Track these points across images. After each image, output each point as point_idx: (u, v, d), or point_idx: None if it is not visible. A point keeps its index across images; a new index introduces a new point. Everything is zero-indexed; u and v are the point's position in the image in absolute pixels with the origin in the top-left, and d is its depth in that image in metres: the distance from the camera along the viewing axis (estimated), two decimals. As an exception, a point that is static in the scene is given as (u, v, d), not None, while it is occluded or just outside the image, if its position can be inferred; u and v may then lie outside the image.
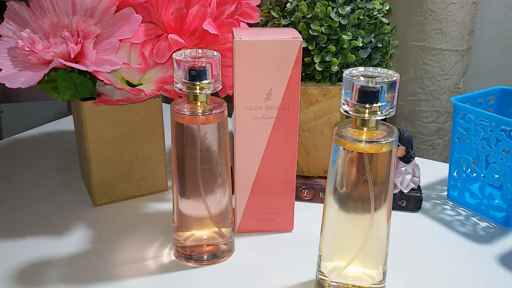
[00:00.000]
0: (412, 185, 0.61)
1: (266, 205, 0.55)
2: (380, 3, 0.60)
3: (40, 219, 0.59)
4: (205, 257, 0.51)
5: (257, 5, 0.62)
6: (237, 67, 0.49)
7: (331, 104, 0.59)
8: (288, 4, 0.60)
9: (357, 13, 0.57)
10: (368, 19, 0.59)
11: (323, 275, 0.46)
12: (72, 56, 0.52)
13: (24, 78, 0.50)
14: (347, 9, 0.57)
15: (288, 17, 0.60)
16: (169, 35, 0.54)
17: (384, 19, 0.60)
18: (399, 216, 0.61)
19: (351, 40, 0.57)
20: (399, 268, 0.51)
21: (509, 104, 0.65)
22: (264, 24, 0.64)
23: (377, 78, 0.38)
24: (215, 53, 0.47)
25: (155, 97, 0.60)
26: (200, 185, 0.48)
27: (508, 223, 0.59)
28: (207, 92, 0.46)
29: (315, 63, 0.57)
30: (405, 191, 0.61)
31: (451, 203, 0.64)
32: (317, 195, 0.63)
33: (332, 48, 0.57)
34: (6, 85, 0.50)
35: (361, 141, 0.40)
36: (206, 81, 0.45)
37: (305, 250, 0.53)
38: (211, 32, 0.54)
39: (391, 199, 0.42)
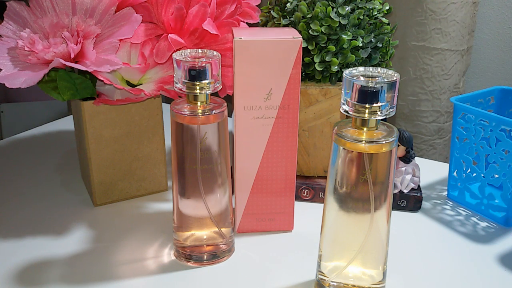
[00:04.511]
0: (412, 185, 0.61)
1: (266, 205, 0.55)
2: (380, 3, 0.60)
3: (40, 219, 0.59)
4: (205, 257, 0.51)
5: (257, 5, 0.62)
6: (237, 67, 0.49)
7: (331, 104, 0.59)
8: (288, 4, 0.60)
9: (357, 13, 0.57)
10: (368, 19, 0.59)
11: (323, 275, 0.46)
12: (72, 56, 0.52)
13: (24, 78, 0.50)
14: (347, 9, 0.57)
15: (288, 17, 0.60)
16: (169, 35, 0.54)
17: (384, 19, 0.60)
18: (399, 216, 0.61)
19: (351, 40, 0.57)
20: (399, 268, 0.51)
21: (509, 104, 0.65)
22: (264, 24, 0.64)
23: (377, 78, 0.39)
24: (215, 53, 0.47)
25: (155, 97, 0.60)
26: (200, 185, 0.48)
27: (508, 223, 0.59)
28: (207, 92, 0.46)
29: (315, 63, 0.57)
30: (405, 191, 0.61)
31: (451, 203, 0.64)
32: (317, 195, 0.63)
33: (332, 48, 0.56)
34: (6, 85, 0.50)
35: (361, 141, 0.40)
36: (206, 81, 0.45)
37: (305, 250, 0.53)
38: (211, 32, 0.54)
39: (391, 199, 0.42)
